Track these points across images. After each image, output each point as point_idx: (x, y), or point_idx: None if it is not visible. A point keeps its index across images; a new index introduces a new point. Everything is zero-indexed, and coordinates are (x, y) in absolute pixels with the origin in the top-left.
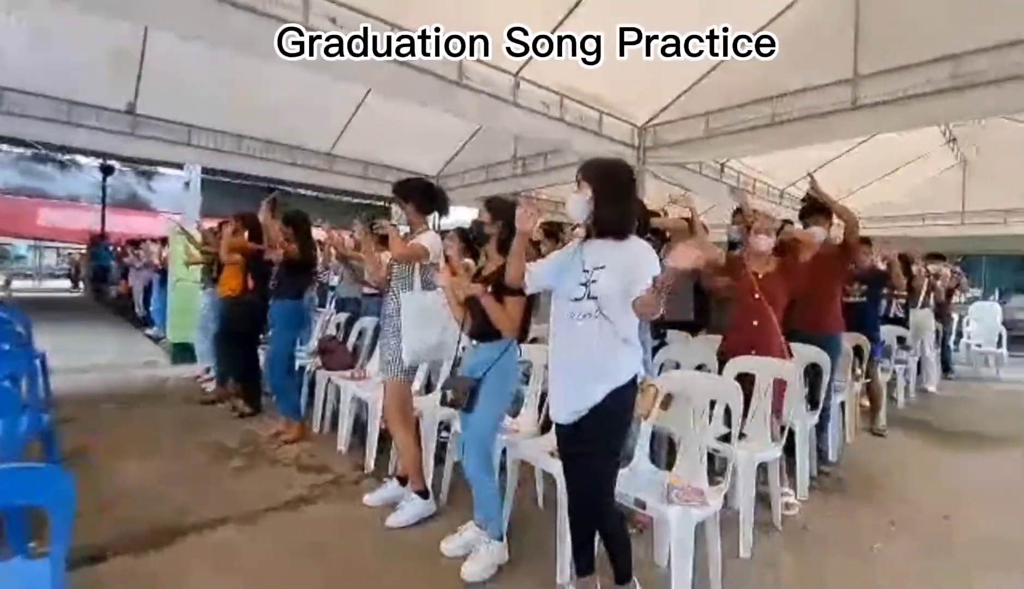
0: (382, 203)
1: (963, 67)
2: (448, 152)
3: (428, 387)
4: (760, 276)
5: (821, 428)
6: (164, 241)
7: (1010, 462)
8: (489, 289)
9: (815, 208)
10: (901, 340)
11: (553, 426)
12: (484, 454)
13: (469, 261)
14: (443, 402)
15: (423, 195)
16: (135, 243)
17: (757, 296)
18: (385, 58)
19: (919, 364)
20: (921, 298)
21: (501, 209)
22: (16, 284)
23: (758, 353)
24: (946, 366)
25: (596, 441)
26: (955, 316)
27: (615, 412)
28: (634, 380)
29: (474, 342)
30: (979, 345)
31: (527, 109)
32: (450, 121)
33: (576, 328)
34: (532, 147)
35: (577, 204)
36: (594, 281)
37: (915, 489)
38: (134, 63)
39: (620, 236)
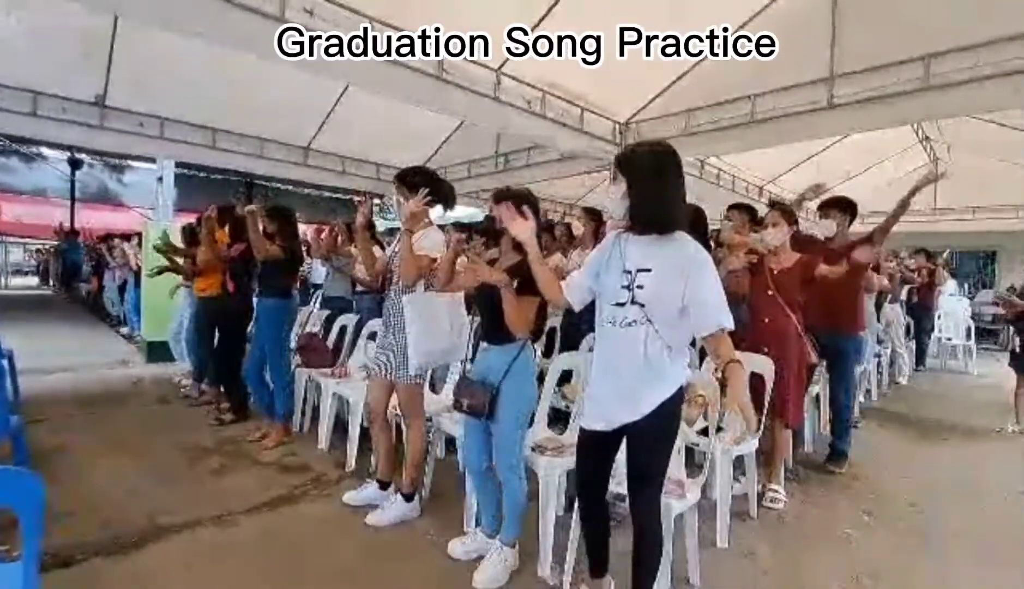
0: (360, 197)
1: (936, 67)
2: (429, 148)
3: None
4: (775, 272)
5: (840, 423)
6: (138, 237)
7: (980, 455)
8: (514, 283)
9: (831, 203)
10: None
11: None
12: (514, 460)
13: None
14: (459, 409)
15: (429, 187)
16: (106, 239)
17: (771, 293)
18: (368, 57)
19: (891, 358)
20: (892, 293)
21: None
22: None
23: (770, 350)
24: (920, 359)
25: (645, 453)
26: (937, 310)
27: (661, 425)
28: (681, 389)
29: (484, 344)
30: (949, 339)
31: (509, 105)
32: (431, 117)
33: (619, 335)
34: (514, 143)
35: (614, 200)
36: (640, 286)
37: (889, 480)
38: (103, 53)
39: (663, 230)
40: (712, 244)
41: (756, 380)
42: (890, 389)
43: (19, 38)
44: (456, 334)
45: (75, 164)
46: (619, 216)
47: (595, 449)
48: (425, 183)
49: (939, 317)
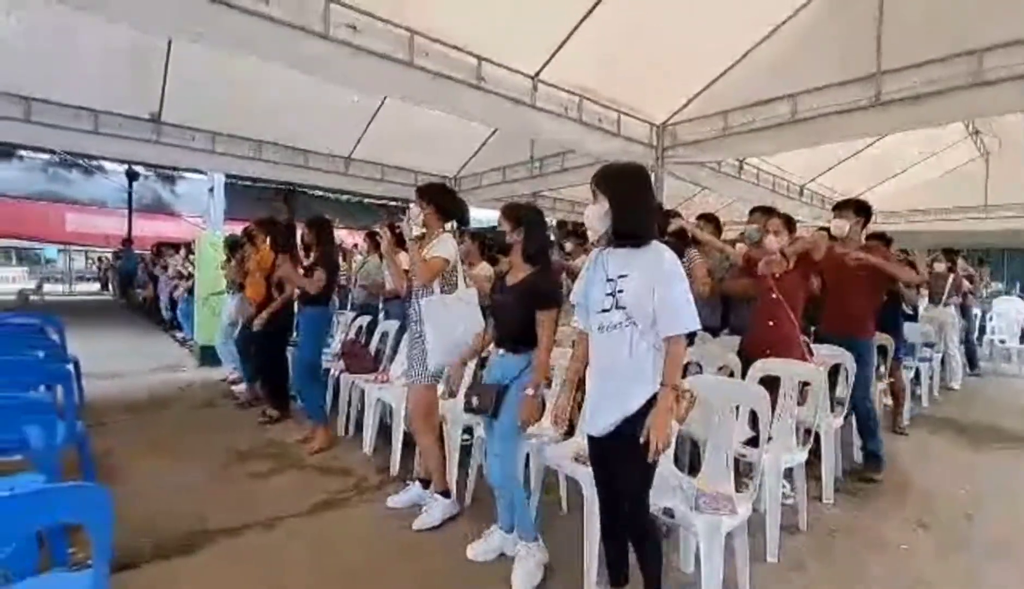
0: (396, 203)
1: (985, 63)
2: (465, 154)
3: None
4: (777, 276)
5: (860, 427)
6: (188, 247)
7: None
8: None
9: (847, 203)
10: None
11: (582, 435)
12: (511, 459)
13: (489, 269)
14: (467, 408)
15: (445, 201)
16: (159, 250)
17: (775, 295)
18: (401, 65)
19: (943, 361)
20: (944, 295)
21: (520, 215)
22: (47, 288)
23: (774, 353)
24: (972, 362)
25: (632, 449)
26: (976, 312)
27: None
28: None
29: (500, 351)
30: (1003, 341)
31: (545, 111)
32: (467, 123)
33: (606, 339)
34: (548, 148)
35: (595, 216)
36: (620, 291)
37: (941, 489)
38: (159, 72)
39: (640, 242)
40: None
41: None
42: (941, 394)
43: (81, 62)
44: (472, 336)
45: (132, 176)
46: (602, 231)
47: (602, 457)
48: (442, 197)
49: (990, 319)
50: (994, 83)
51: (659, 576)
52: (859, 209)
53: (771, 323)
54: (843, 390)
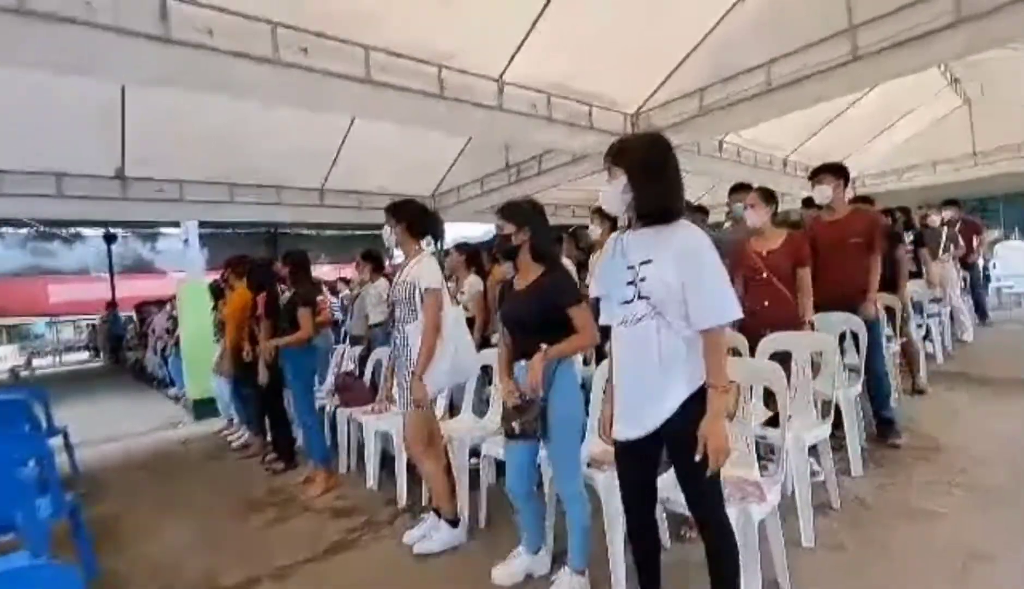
0: (378, 232)
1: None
2: (440, 171)
3: (451, 409)
4: (765, 254)
5: (879, 391)
6: (170, 302)
7: None
8: (544, 348)
9: (822, 169)
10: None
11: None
12: (576, 480)
13: (478, 281)
14: (510, 436)
15: (416, 217)
16: (141, 308)
17: (764, 275)
18: (356, 82)
19: (951, 316)
20: (940, 249)
21: (522, 213)
22: (37, 362)
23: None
24: (982, 312)
25: (682, 451)
26: (980, 261)
27: (697, 422)
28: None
29: (523, 362)
30: (1010, 286)
31: (514, 113)
32: (438, 139)
33: (631, 334)
34: (523, 152)
35: (612, 196)
36: (643, 279)
37: (971, 447)
38: (116, 126)
39: (668, 219)
40: None
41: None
42: (955, 349)
43: (40, 125)
44: (462, 353)
45: (110, 239)
46: (619, 212)
47: (634, 461)
48: (412, 213)
49: (994, 266)
50: (972, 20)
51: (736, 583)
52: (835, 171)
53: (766, 303)
54: (852, 357)
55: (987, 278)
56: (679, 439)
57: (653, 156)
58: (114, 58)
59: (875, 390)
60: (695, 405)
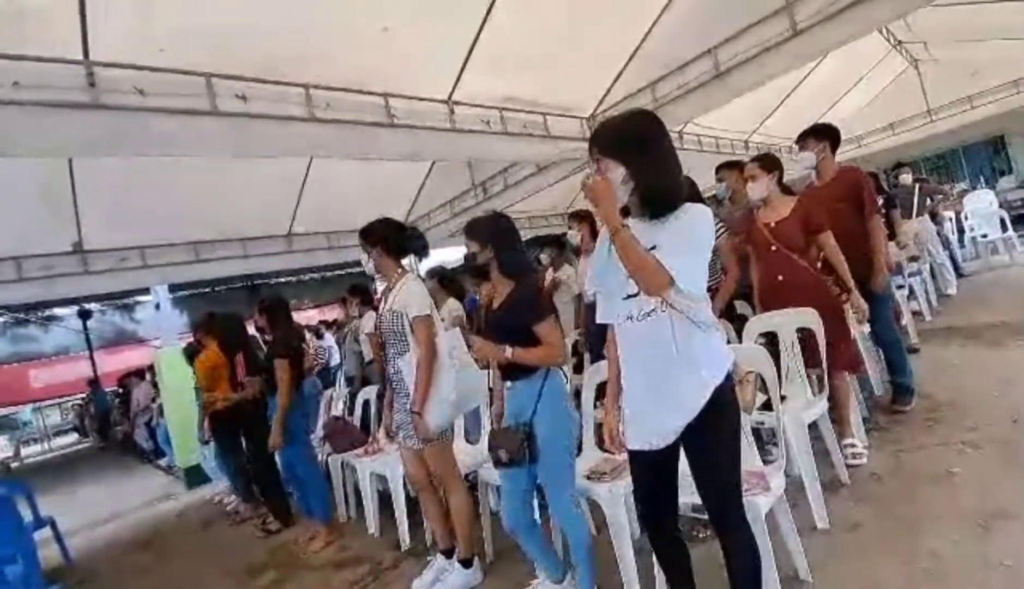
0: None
1: None
2: (408, 199)
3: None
4: (773, 225)
5: (888, 359)
6: (149, 372)
7: None
8: (509, 352)
9: (805, 133)
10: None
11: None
12: (570, 500)
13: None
14: (497, 463)
15: (389, 236)
16: (122, 383)
17: (774, 248)
18: (299, 122)
19: (932, 272)
20: (915, 208)
21: (484, 231)
22: (27, 451)
23: (794, 305)
24: (955, 266)
25: (708, 453)
26: (949, 215)
27: (718, 420)
28: (729, 373)
29: (508, 383)
30: (984, 235)
31: (467, 131)
32: (400, 167)
33: (641, 330)
34: (487, 169)
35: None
36: None
37: (972, 399)
38: (68, 199)
39: (676, 205)
40: None
41: (807, 334)
42: (941, 304)
43: None
44: (467, 378)
45: (85, 315)
46: (623, 203)
47: (651, 470)
48: (386, 234)
49: (965, 217)
50: None
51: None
52: (818, 133)
53: (780, 278)
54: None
55: (961, 231)
56: (701, 441)
57: (647, 138)
58: (44, 133)
59: (889, 356)
60: (718, 399)
